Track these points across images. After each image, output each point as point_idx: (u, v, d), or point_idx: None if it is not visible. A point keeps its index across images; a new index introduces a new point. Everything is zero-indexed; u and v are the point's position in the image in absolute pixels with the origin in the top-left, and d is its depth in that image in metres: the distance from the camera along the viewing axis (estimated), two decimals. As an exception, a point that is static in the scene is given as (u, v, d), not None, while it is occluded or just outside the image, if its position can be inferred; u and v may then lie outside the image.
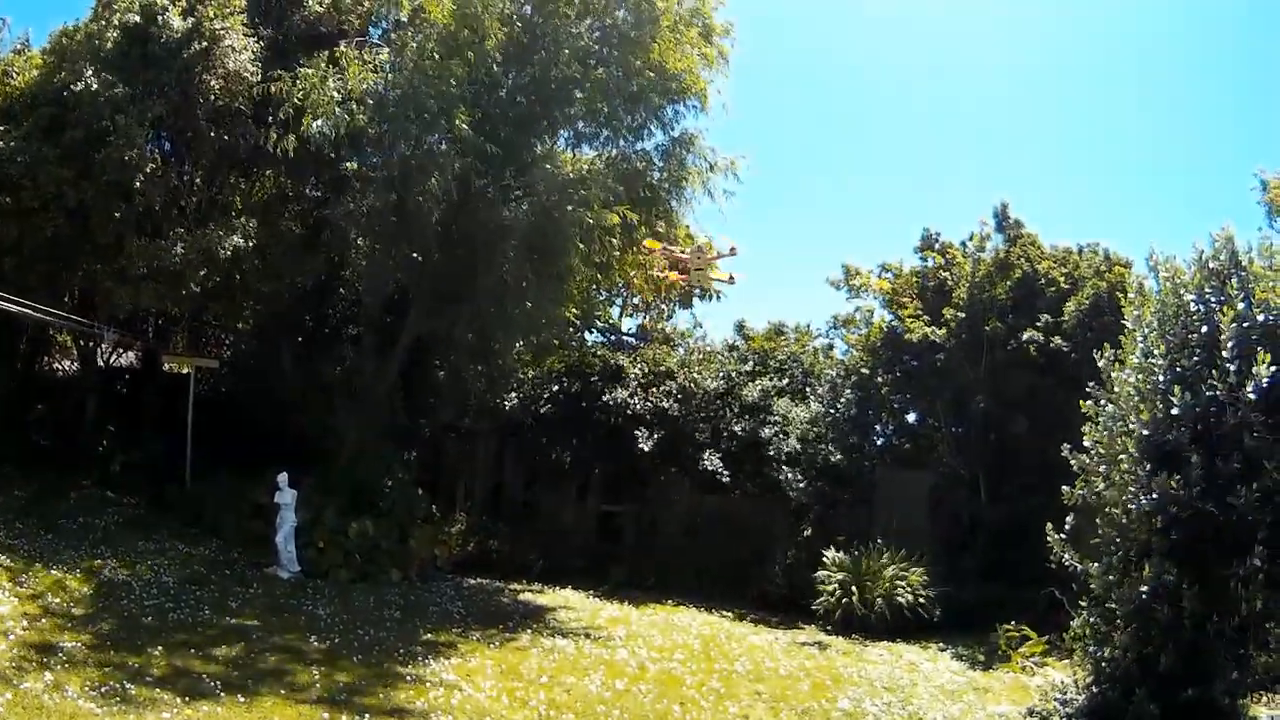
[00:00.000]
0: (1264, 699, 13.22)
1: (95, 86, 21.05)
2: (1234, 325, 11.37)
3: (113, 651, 13.38)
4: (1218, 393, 11.36)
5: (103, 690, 11.60)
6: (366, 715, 12.26)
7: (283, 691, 12.76)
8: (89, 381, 27.84)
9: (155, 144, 23.37)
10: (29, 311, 21.75)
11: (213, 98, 22.56)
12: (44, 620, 14.29)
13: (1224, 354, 11.36)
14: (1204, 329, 12.03)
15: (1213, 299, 12.17)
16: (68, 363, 30.93)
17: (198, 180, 23.97)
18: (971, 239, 24.77)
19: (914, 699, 15.60)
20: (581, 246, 21.89)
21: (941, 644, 19.89)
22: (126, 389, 29.83)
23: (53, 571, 16.87)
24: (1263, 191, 13.79)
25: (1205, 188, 56.22)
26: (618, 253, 24.25)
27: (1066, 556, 13.51)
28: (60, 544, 18.95)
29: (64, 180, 20.93)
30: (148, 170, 21.76)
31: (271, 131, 22.01)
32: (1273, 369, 10.77)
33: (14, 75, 22.93)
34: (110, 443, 26.44)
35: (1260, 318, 11.45)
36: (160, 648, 13.98)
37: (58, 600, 15.34)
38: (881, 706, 15.09)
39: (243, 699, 12.03)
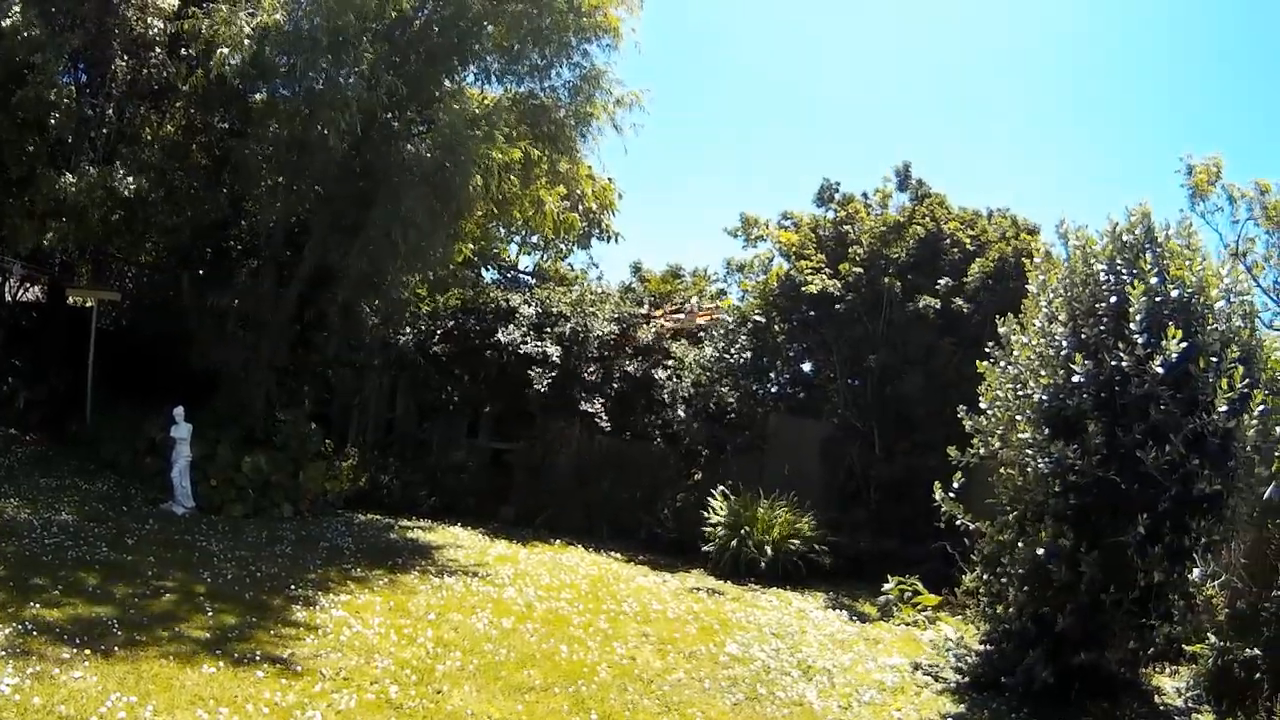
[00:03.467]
0: (1166, 669, 13.63)
1: (17, 23, 20.60)
2: (1145, 298, 11.58)
3: (15, 594, 13.35)
4: (1123, 362, 11.58)
5: (5, 633, 11.55)
6: (254, 658, 12.23)
7: (170, 638, 12.64)
8: None
9: (72, 75, 23.32)
10: None
11: (129, 29, 22.38)
12: None
13: (1132, 325, 11.56)
14: (1112, 299, 12.25)
15: (1124, 271, 12.39)
16: None
17: (109, 112, 23.77)
18: (875, 194, 24.84)
19: (803, 646, 15.74)
20: (480, 182, 21.76)
21: (832, 593, 20.06)
22: (32, 324, 29.78)
23: None
24: (1187, 175, 14.20)
25: (1117, 173, 57.46)
26: (517, 189, 24.12)
27: (957, 516, 13.75)
28: None
29: None
30: (63, 105, 21.54)
31: (183, 66, 22.21)
32: (1183, 344, 11.01)
33: None
34: (15, 379, 26.46)
35: (1174, 293, 11.69)
36: (61, 589, 13.96)
37: None
38: (770, 652, 15.22)
39: (127, 649, 11.89)
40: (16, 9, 20.64)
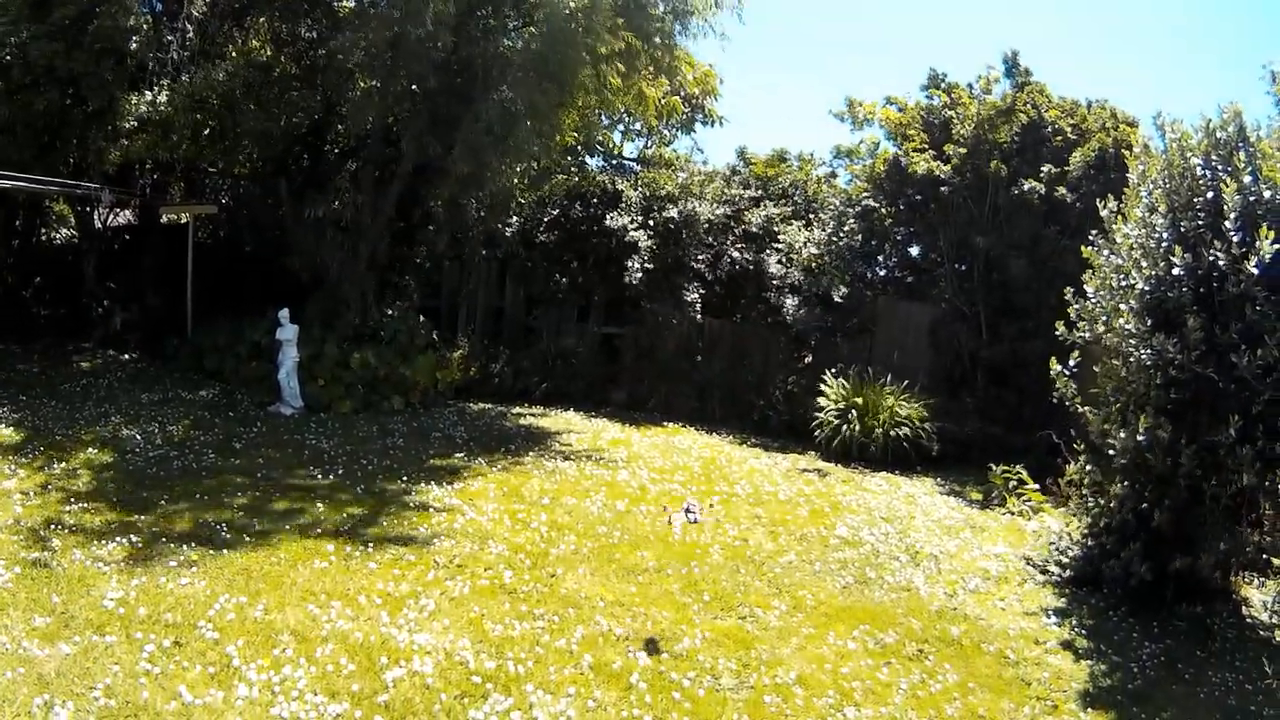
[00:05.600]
0: (1254, 581, 13.62)
1: None
2: (1239, 196, 11.52)
3: (120, 509, 13.64)
4: (1219, 260, 11.59)
5: (107, 552, 11.85)
6: (366, 550, 12.64)
7: (280, 537, 13.02)
8: (87, 245, 28.04)
9: (146, 5, 23.34)
10: (22, 185, 21.88)
11: None
12: (50, 488, 14.39)
13: (1227, 223, 11.52)
14: (1209, 195, 12.17)
15: (1219, 167, 12.32)
16: (66, 231, 31.52)
17: (190, 34, 23.66)
18: (979, 81, 24.47)
19: (912, 531, 16.01)
20: (587, 73, 21.88)
21: (939, 479, 20.18)
22: (124, 247, 30.05)
23: (57, 437, 17.01)
24: (1271, 83, 13.94)
25: (1209, 76, 56.26)
26: (619, 84, 24.01)
27: (1068, 397, 13.76)
28: (64, 409, 19.11)
29: (55, 54, 20.80)
30: (141, 32, 21.67)
31: None
32: (1276, 246, 10.96)
33: None
34: (110, 302, 26.83)
35: (1267, 194, 11.58)
36: (167, 498, 14.26)
37: (62, 466, 15.47)
38: (879, 536, 15.51)
39: (236, 552, 12.28)
40: None
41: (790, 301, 25.49)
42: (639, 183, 28.15)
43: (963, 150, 23.06)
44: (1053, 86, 23.89)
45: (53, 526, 12.56)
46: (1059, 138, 22.84)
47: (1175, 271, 12.08)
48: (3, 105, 21.12)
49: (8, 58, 20.73)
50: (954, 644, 11.43)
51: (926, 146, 23.83)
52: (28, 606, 10.08)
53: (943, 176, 23.05)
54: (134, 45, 21.38)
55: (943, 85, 25.00)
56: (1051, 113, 23.20)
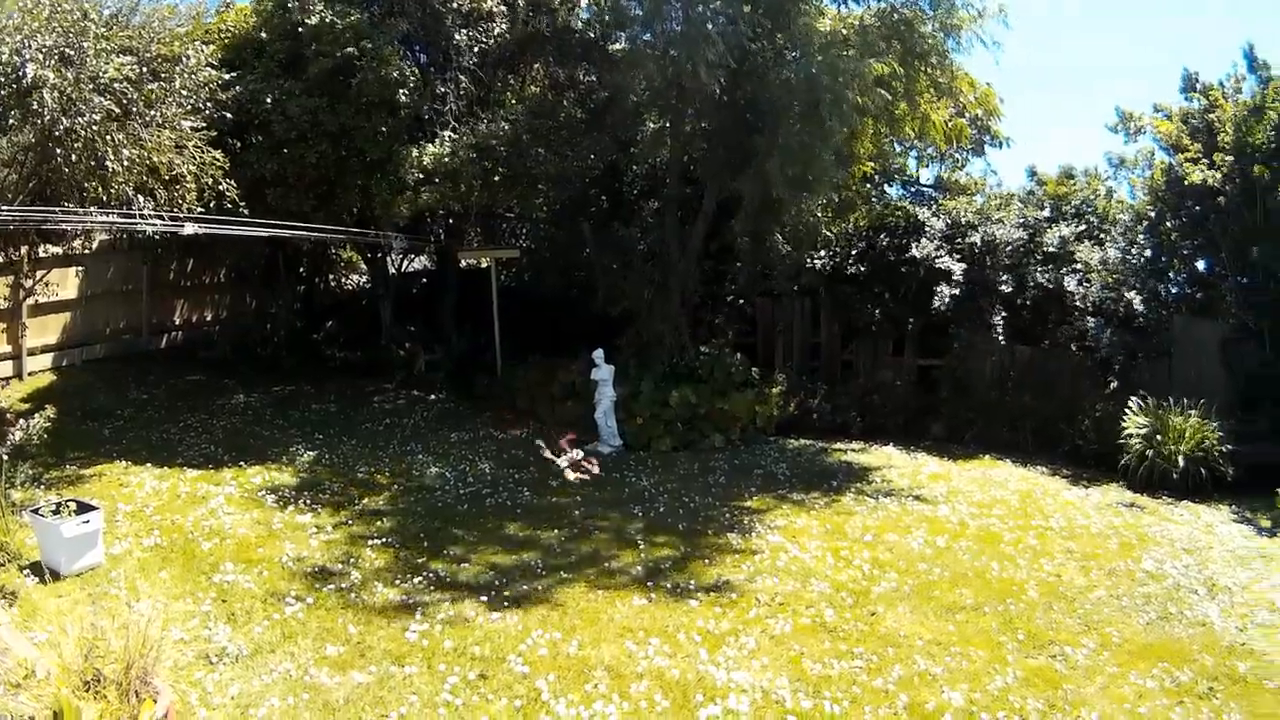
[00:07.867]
0: None
1: (330, 19, 22.10)
2: None
3: (427, 545, 14.83)
4: None
5: (412, 585, 13.05)
6: (688, 588, 13.61)
7: (598, 575, 14.02)
8: (382, 290, 29.59)
9: (409, 59, 24.40)
10: (310, 234, 23.40)
11: (456, 3, 23.79)
12: (350, 523, 15.68)
13: None
14: None
15: None
16: (355, 277, 33.59)
17: (463, 82, 24.97)
18: (1229, 79, 24.34)
19: (1209, 563, 16.28)
20: (863, 99, 22.52)
21: (1233, 506, 19.93)
22: (422, 291, 31.96)
23: (358, 474, 18.42)
24: None
25: None
26: (903, 108, 24.63)
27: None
28: (364, 448, 20.48)
29: (318, 108, 22.16)
30: (409, 84, 22.89)
31: (532, 25, 23.83)
32: None
33: (230, 29, 24.18)
34: (411, 344, 28.22)
35: None
36: (477, 535, 15.47)
37: (364, 502, 16.80)
38: (1180, 569, 15.92)
39: (551, 589, 13.29)
40: (321, 6, 22.28)
41: (1093, 325, 25.40)
42: (939, 211, 28.49)
43: (1229, 157, 22.91)
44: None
45: (352, 560, 13.93)
46: (1309, 134, 22.15)
47: None
48: (271, 159, 22.61)
49: (261, 114, 22.23)
50: (1240, 681, 11.94)
51: (1199, 157, 23.65)
52: (319, 636, 11.33)
53: (1215, 185, 22.95)
54: (402, 97, 22.72)
55: (1198, 87, 24.90)
56: (1298, 108, 22.54)
